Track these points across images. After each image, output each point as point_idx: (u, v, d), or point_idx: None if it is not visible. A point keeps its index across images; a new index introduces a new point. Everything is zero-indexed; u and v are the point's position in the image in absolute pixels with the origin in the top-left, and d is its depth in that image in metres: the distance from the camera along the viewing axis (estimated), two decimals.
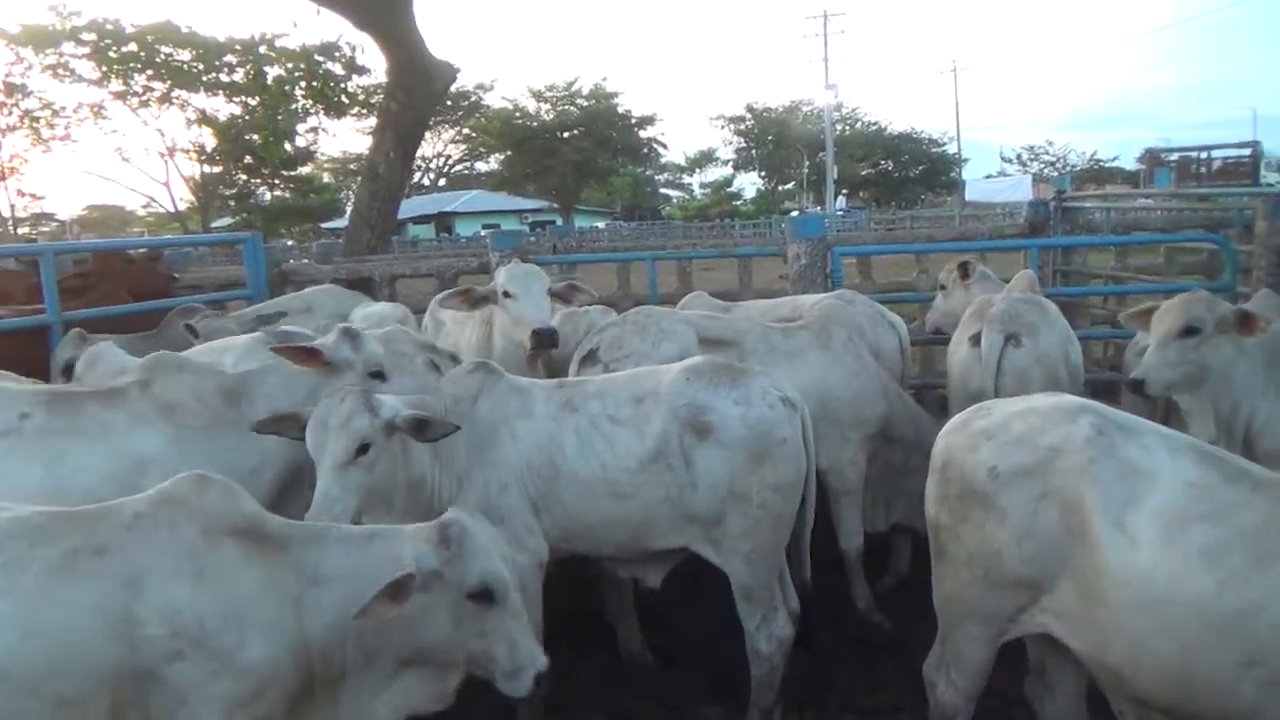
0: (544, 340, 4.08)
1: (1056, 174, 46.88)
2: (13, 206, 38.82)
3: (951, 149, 58.44)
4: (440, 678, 2.45)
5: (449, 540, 2.37)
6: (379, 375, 3.54)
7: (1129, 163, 56.84)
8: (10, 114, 34.29)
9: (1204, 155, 38.08)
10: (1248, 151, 37.07)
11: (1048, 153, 63.84)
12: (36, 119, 34.85)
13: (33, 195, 40.72)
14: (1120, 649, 2.31)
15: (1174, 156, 38.99)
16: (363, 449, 2.88)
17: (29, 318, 5.60)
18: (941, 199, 57.47)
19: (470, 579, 2.34)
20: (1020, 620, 2.59)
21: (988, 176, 62.00)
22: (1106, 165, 60.65)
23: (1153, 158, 40.43)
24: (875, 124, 60.59)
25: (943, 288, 5.56)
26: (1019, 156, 65.39)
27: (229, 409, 3.34)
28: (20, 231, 40.14)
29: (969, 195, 50.55)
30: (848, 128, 59.54)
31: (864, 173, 57.86)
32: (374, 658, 2.37)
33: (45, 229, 48.14)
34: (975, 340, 4.20)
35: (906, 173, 60.04)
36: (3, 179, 35.63)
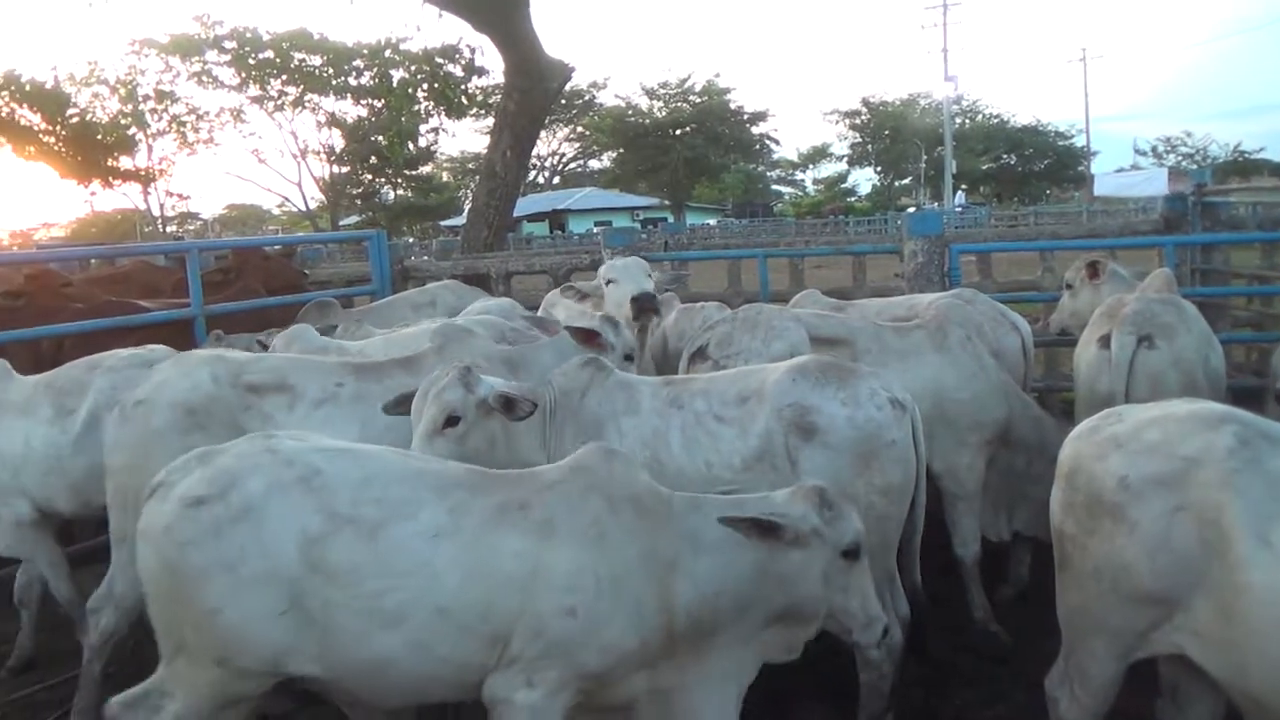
0: (643, 305, 4.09)
1: (1196, 167, 44.25)
2: (161, 206, 41.46)
3: (1080, 141, 55.96)
4: (796, 632, 2.64)
5: (829, 502, 2.55)
6: (630, 358, 3.91)
7: (1277, 154, 53.28)
8: (160, 119, 36.64)
9: None
10: None
11: (1186, 144, 60.14)
12: (183, 124, 37.16)
13: (179, 195, 43.33)
14: (1263, 674, 2.18)
15: None
16: (452, 420, 2.99)
17: (175, 310, 5.99)
18: (1068, 194, 54.97)
19: (847, 537, 2.53)
20: (1151, 639, 2.47)
21: (1119, 170, 58.78)
22: (1252, 157, 56.68)
23: None
24: (997, 116, 58.64)
25: (1069, 286, 5.33)
26: (1154, 148, 61.80)
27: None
28: (168, 230, 42.82)
29: (1099, 190, 48.10)
30: (968, 120, 57.71)
31: (985, 167, 55.89)
32: (747, 613, 2.54)
33: (190, 227, 51.19)
34: (1105, 341, 4.00)
35: (1030, 167, 57.73)
36: (153, 180, 38.04)
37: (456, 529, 2.39)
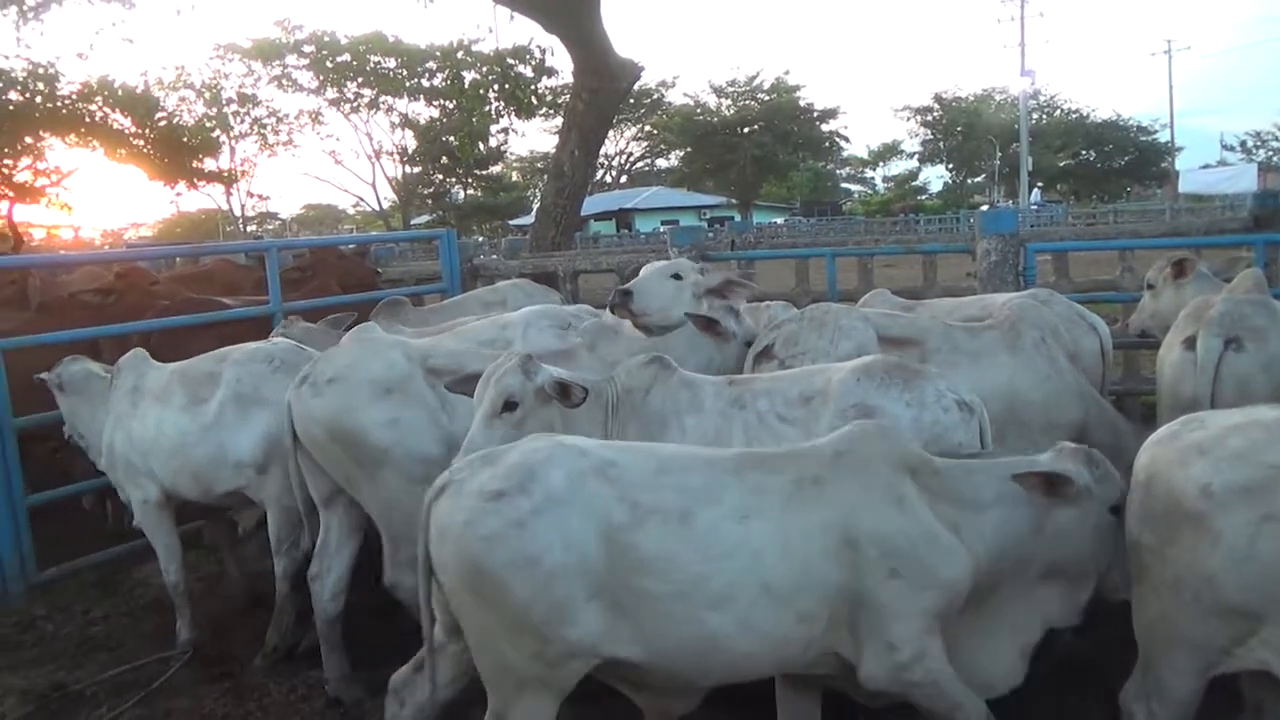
0: (615, 299, 4.02)
1: None
2: (243, 206, 42.87)
3: (1163, 137, 54.11)
4: (1074, 593, 2.72)
5: (1096, 462, 2.66)
6: (748, 344, 4.06)
7: None
8: (242, 122, 37.82)
9: None
10: None
11: (1276, 138, 57.62)
12: (264, 126, 38.31)
13: (260, 196, 44.88)
14: None
15: None
16: (509, 405, 3.07)
17: (255, 307, 6.18)
18: (1151, 191, 53.17)
19: (1114, 493, 2.65)
20: (1235, 653, 2.38)
21: (1205, 166, 56.62)
22: None
23: None
24: (1076, 111, 56.93)
25: (1151, 287, 5.14)
26: (1243, 143, 59.28)
27: None
28: (248, 229, 44.22)
29: (1183, 187, 46.43)
30: (1045, 116, 56.20)
31: (1062, 164, 54.36)
32: (1025, 570, 2.65)
33: (269, 227, 52.79)
34: (1190, 344, 3.85)
35: (1110, 163, 55.97)
36: (235, 181, 39.31)
37: (762, 508, 2.48)
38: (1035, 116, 51.98)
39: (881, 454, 2.59)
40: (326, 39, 36.07)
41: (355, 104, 39.21)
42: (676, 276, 4.15)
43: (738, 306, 4.18)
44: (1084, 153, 55.44)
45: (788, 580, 2.45)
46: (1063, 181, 55.97)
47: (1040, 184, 49.77)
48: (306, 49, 36.10)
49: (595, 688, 2.91)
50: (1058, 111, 57.44)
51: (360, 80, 37.80)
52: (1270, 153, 56.25)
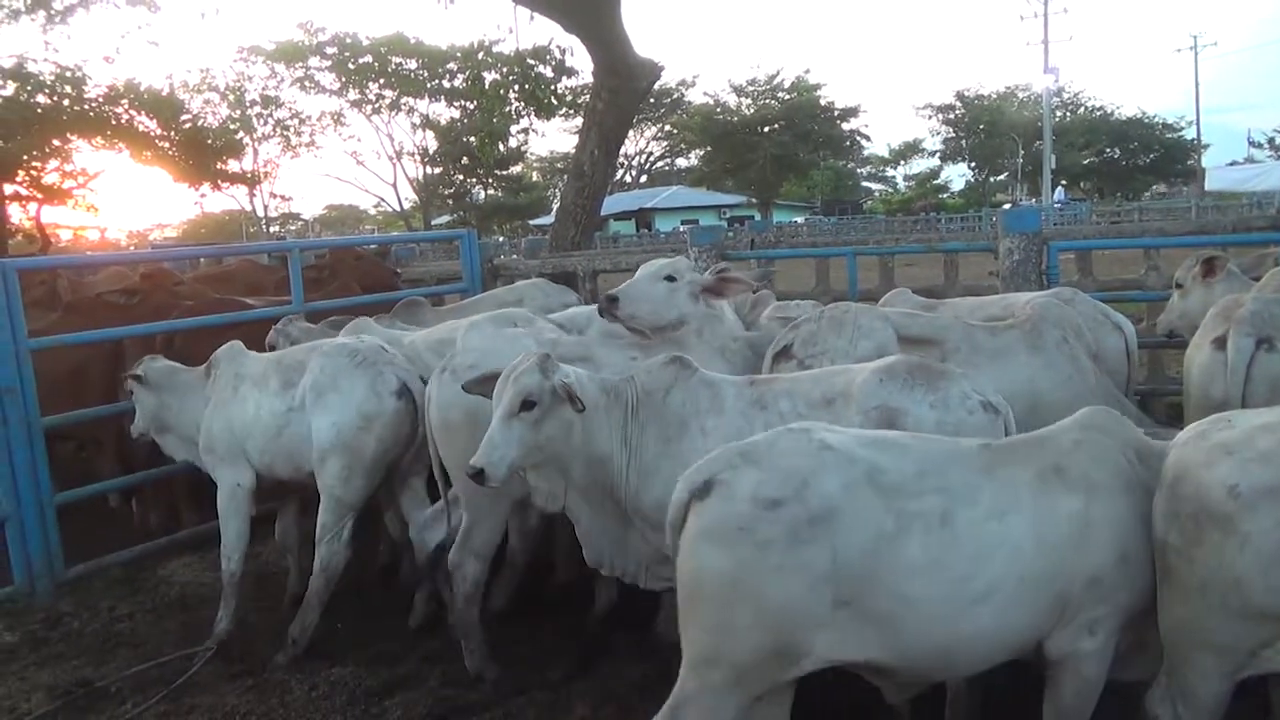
0: (603, 304, 4.14)
1: None
2: (266, 207, 43.26)
3: (1189, 134, 53.37)
4: None
5: None
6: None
7: None
8: (265, 124, 38.16)
9: None
10: None
11: None
12: (287, 128, 38.64)
13: (282, 197, 45.17)
14: None
15: None
16: (528, 405, 3.09)
17: (278, 307, 6.23)
18: (1176, 189, 52.53)
19: None
20: (1263, 655, 2.34)
21: (1232, 163, 55.72)
22: None
23: None
24: (1100, 108, 56.35)
25: (1179, 285, 5.06)
26: (1271, 140, 58.45)
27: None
28: (271, 230, 44.60)
29: (1210, 184, 45.75)
30: (1068, 113, 55.68)
31: (1086, 161, 53.88)
32: None
33: (292, 227, 53.22)
34: (1220, 344, 3.79)
35: (1135, 160, 55.36)
36: (259, 183, 39.64)
37: (1016, 503, 2.52)
38: (1059, 114, 51.48)
39: (1114, 440, 2.64)
40: (348, 41, 36.36)
41: (377, 105, 39.48)
42: (670, 278, 4.15)
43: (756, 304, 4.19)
44: (1108, 150, 54.88)
45: (1043, 572, 2.49)
46: (1086, 179, 55.45)
47: (1064, 182, 49.30)
48: (329, 51, 36.41)
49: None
50: (1081, 109, 56.89)
51: (382, 81, 38.06)
52: None
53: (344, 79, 37.37)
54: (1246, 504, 2.28)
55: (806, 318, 4.17)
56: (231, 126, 35.68)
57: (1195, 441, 2.49)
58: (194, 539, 5.77)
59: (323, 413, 4.18)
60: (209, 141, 23.32)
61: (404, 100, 39.51)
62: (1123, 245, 7.90)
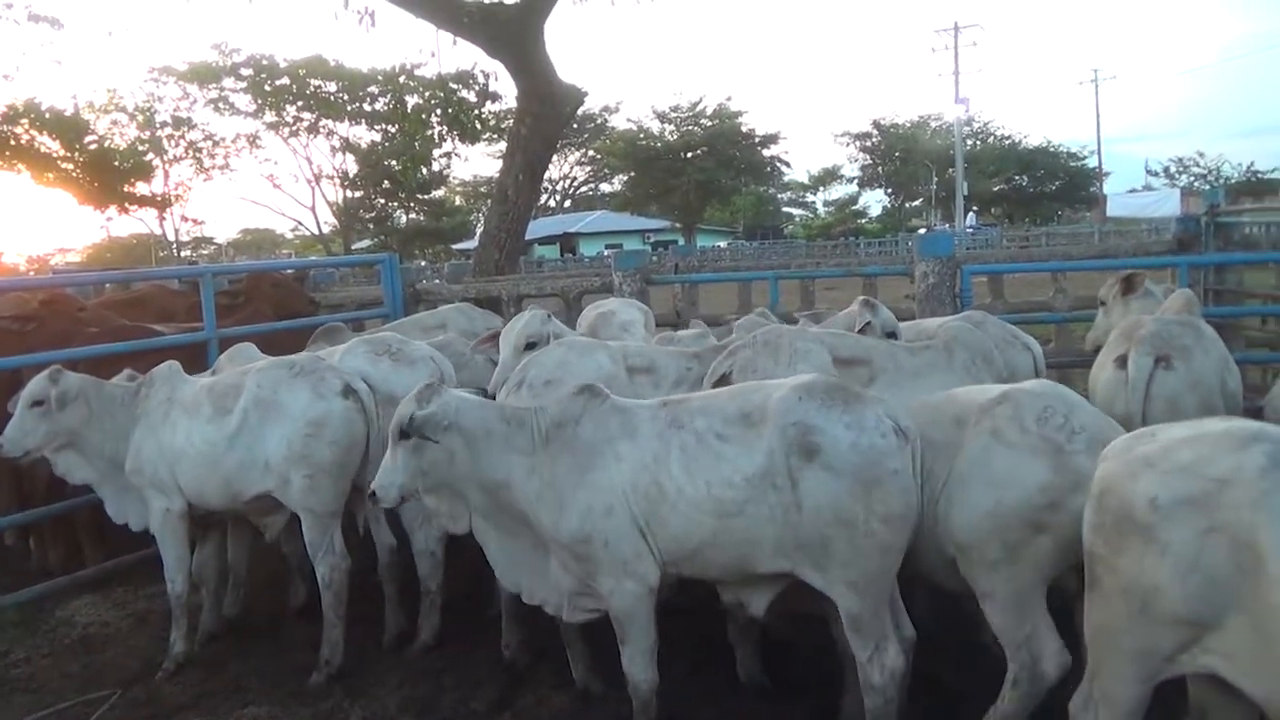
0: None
1: (1208, 187, 44.03)
2: (177, 231, 41.91)
3: (1092, 162, 55.86)
4: None
5: None
6: (893, 334, 4.48)
7: None
8: (177, 146, 37.08)
9: None
10: None
11: (1198, 164, 60.06)
12: (199, 150, 37.60)
13: (194, 220, 43.81)
14: None
15: None
16: (404, 433, 3.21)
17: (190, 334, 6.02)
18: (1080, 215, 54.85)
19: None
20: (1180, 660, 2.42)
21: (1131, 191, 58.67)
22: (1265, 177, 56.46)
23: None
24: (1009, 138, 58.59)
25: (1103, 303, 5.27)
26: (1166, 169, 61.74)
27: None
28: (183, 254, 43.23)
29: (1111, 211, 48.01)
30: (979, 142, 57.75)
31: (996, 188, 55.86)
32: None
33: (204, 252, 51.67)
34: (1122, 362, 3.96)
35: (1042, 188, 57.64)
36: (169, 206, 38.44)
37: None
38: (970, 142, 53.39)
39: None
40: (265, 62, 35.59)
41: (294, 128, 38.66)
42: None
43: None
44: (1016, 178, 56.97)
45: None
46: (996, 205, 57.44)
47: (975, 208, 51.08)
48: (244, 72, 35.57)
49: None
50: (991, 138, 59.05)
51: (300, 104, 37.32)
52: (1192, 178, 58.59)
53: (260, 101, 36.54)
54: (1166, 515, 2.35)
55: (741, 344, 4.19)
56: (140, 148, 34.61)
57: (1120, 454, 2.57)
58: (98, 577, 5.51)
59: (270, 428, 4.08)
60: (116, 163, 22.57)
61: (323, 123, 38.80)
62: (1032, 269, 8.20)
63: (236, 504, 4.26)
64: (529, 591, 3.53)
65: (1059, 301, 6.83)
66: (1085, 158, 56.31)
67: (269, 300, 6.90)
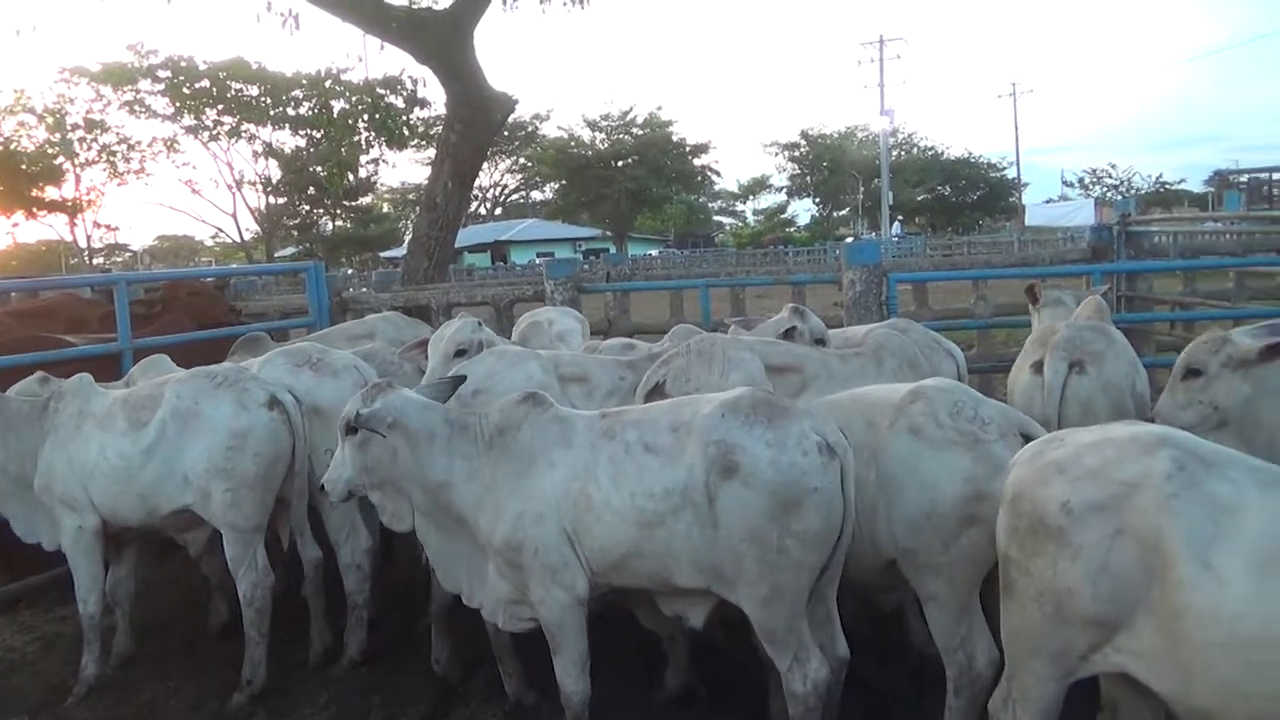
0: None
1: (1120, 197, 45.93)
2: (89, 238, 40.33)
3: (1011, 173, 57.59)
4: None
5: None
6: (821, 341, 4.55)
7: (1197, 185, 55.55)
8: (90, 149, 35.74)
9: (1276, 177, 36.87)
10: None
11: (1111, 176, 62.59)
12: (114, 153, 36.29)
13: (108, 227, 42.22)
14: (1208, 692, 2.22)
15: (1244, 178, 37.82)
16: (350, 429, 3.31)
17: (103, 345, 5.79)
18: (1000, 224, 56.54)
19: None
20: (1093, 659, 2.50)
21: (1048, 201, 60.85)
22: (1173, 188, 59.13)
23: (1222, 180, 39.37)
24: (932, 148, 60.08)
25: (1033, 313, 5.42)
26: (1081, 180, 64.21)
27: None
28: (95, 262, 41.62)
29: (1030, 220, 49.63)
30: (903, 153, 59.08)
31: (920, 198, 57.21)
32: None
33: (119, 259, 49.85)
34: (1037, 368, 4.09)
35: (964, 198, 59.23)
36: (80, 211, 37.03)
37: None
38: (895, 153, 54.51)
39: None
40: (183, 64, 34.55)
41: (214, 132, 37.59)
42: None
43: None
44: (940, 188, 58.41)
45: None
46: (920, 215, 58.85)
47: (900, 217, 52.16)
48: (161, 74, 34.46)
49: None
50: (915, 149, 60.47)
51: (220, 107, 36.31)
52: (1105, 189, 60.95)
53: (178, 104, 35.43)
54: (1077, 519, 2.42)
55: (675, 352, 4.20)
56: (50, 151, 33.29)
57: (1031, 460, 2.63)
58: (3, 599, 5.26)
59: (190, 441, 3.95)
60: (23, 166, 21.63)
61: (245, 127, 37.80)
62: (955, 277, 8.41)
63: (154, 520, 4.11)
64: (468, 594, 3.52)
65: (980, 308, 7.02)
66: (1005, 168, 58.12)
67: (187, 309, 6.68)
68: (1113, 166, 63.35)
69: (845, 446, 3.08)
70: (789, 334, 4.51)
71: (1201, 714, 2.27)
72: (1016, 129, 53.82)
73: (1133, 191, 57.47)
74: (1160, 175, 62.13)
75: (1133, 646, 2.39)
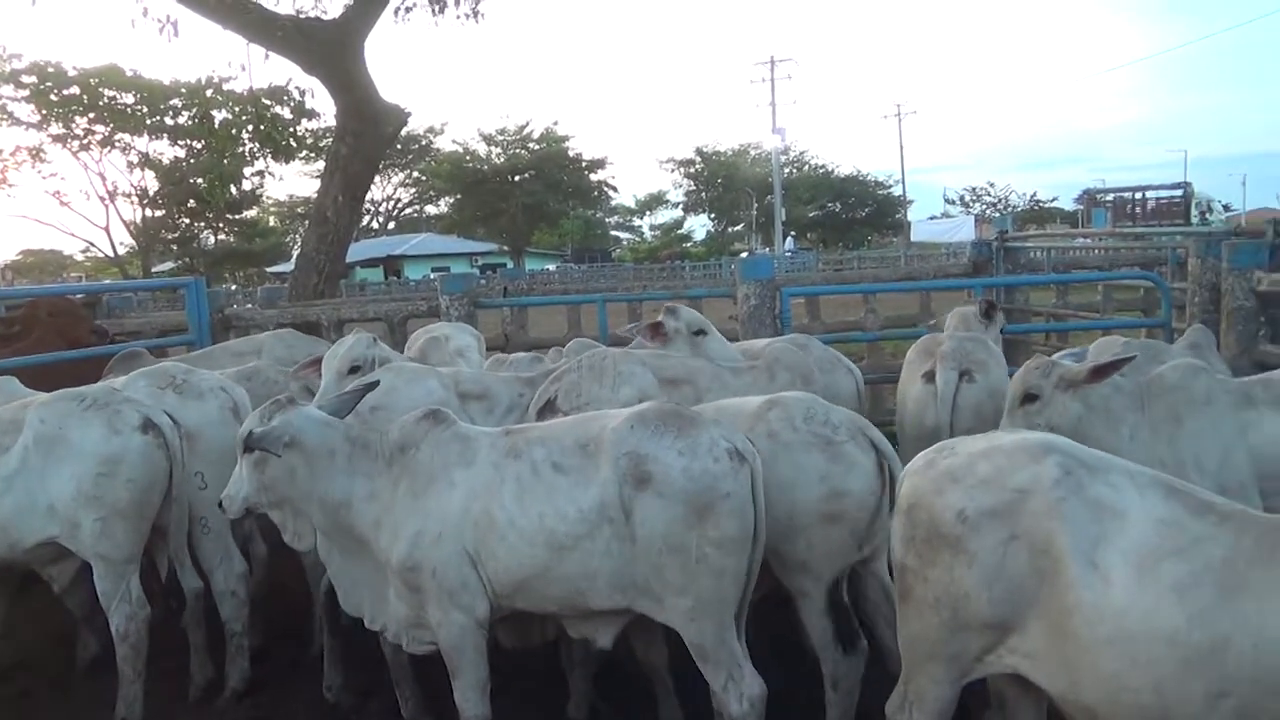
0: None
1: (998, 214, 48.27)
2: None
3: (897, 191, 59.85)
4: None
5: None
6: (701, 333, 4.49)
7: (1068, 203, 58.83)
8: None
9: (1139, 196, 39.48)
10: (1180, 192, 38.59)
11: (989, 194, 65.79)
12: None
13: None
14: (1094, 687, 2.31)
15: (1110, 197, 40.34)
16: (248, 447, 3.19)
17: None
18: (888, 240, 58.60)
19: None
20: (987, 660, 2.57)
21: (932, 218, 63.50)
22: (1046, 205, 62.59)
23: (1090, 198, 41.86)
24: (822, 167, 61.88)
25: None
26: (962, 198, 67.31)
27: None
28: None
29: (915, 236, 51.62)
30: (795, 170, 60.64)
31: (811, 214, 58.79)
32: None
33: None
34: (930, 377, 4.24)
35: (853, 214, 61.14)
36: None
37: None
38: (787, 171, 55.93)
39: None
40: (51, 70, 32.71)
41: (85, 141, 35.69)
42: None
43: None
44: (830, 204, 60.19)
45: None
46: (812, 231, 60.46)
47: (793, 233, 53.50)
48: (26, 80, 32.52)
49: None
50: (806, 167, 62.16)
51: (92, 115, 34.50)
52: (984, 206, 63.98)
53: (45, 111, 33.52)
54: (973, 526, 2.49)
55: (566, 368, 4.17)
56: None
57: (925, 470, 2.69)
58: None
59: (56, 468, 3.69)
60: None
61: (119, 137, 36.05)
62: (845, 291, 8.65)
63: (15, 554, 3.82)
64: (370, 616, 3.41)
65: (870, 321, 7.22)
66: (891, 186, 60.34)
67: (53, 328, 6.26)
68: (991, 185, 66.70)
69: (753, 452, 3.11)
70: (655, 329, 4.51)
71: (1088, 710, 2.36)
72: (901, 148, 56.08)
73: (1010, 209, 60.54)
74: (1034, 194, 65.80)
75: (1025, 648, 2.47)
